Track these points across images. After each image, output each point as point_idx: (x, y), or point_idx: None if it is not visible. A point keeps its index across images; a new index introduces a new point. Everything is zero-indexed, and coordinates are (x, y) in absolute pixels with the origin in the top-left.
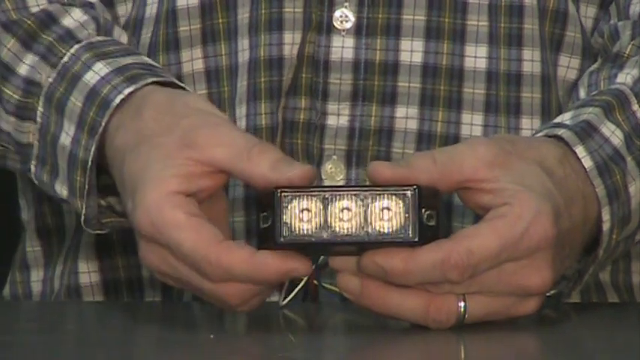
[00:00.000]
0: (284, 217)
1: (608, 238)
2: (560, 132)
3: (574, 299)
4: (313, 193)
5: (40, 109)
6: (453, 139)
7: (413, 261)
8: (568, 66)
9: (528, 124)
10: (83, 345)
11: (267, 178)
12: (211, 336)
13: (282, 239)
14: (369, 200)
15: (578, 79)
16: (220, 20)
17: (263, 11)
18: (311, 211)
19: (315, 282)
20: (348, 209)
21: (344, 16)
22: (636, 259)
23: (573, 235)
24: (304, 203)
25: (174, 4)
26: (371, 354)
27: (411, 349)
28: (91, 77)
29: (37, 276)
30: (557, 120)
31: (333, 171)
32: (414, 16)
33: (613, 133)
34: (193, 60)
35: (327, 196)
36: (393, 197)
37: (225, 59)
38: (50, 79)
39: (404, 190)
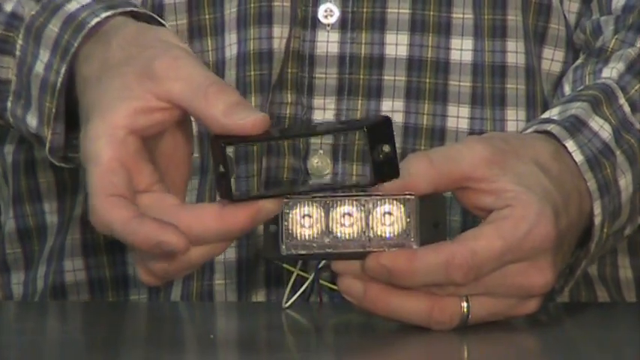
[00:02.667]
0: (285, 223)
1: (599, 233)
2: (550, 127)
3: (565, 296)
4: (315, 199)
5: (20, 41)
6: (439, 131)
7: (417, 261)
8: (552, 59)
9: (513, 116)
10: (69, 346)
11: (220, 122)
12: (211, 336)
13: (284, 246)
14: (371, 205)
15: (562, 72)
16: (207, 16)
17: (252, 5)
18: (312, 217)
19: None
20: (350, 215)
21: (329, 11)
22: (623, 254)
23: (571, 232)
24: (305, 209)
25: None
26: (372, 354)
27: (411, 349)
28: (72, 6)
29: (17, 278)
30: (545, 115)
31: (320, 165)
32: (398, 9)
33: (601, 127)
34: None
35: (328, 202)
36: (394, 202)
37: (212, 55)
38: (32, 12)
39: (405, 194)
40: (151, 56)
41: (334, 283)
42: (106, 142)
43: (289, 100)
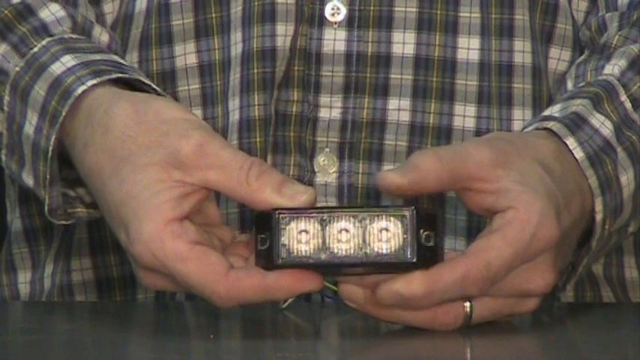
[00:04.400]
0: (282, 238)
1: (600, 230)
2: (550, 124)
3: (569, 293)
4: (311, 215)
5: (7, 97)
6: (445, 130)
7: (433, 284)
8: (559, 58)
9: (520, 115)
10: (75, 346)
11: (274, 202)
12: (211, 336)
13: (280, 261)
14: (367, 221)
15: None
16: (214, 14)
17: (256, 3)
18: (309, 233)
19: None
20: (347, 230)
21: (336, 9)
22: (629, 254)
23: (572, 231)
24: (302, 225)
25: None
26: (373, 354)
27: (415, 350)
28: (57, 68)
29: (24, 277)
30: (546, 112)
31: (326, 163)
32: (405, 7)
33: (602, 124)
34: (187, 54)
35: (325, 217)
36: (392, 218)
37: (219, 53)
38: (17, 68)
39: (402, 211)
40: (172, 146)
41: (336, 285)
42: (172, 238)
43: (295, 98)
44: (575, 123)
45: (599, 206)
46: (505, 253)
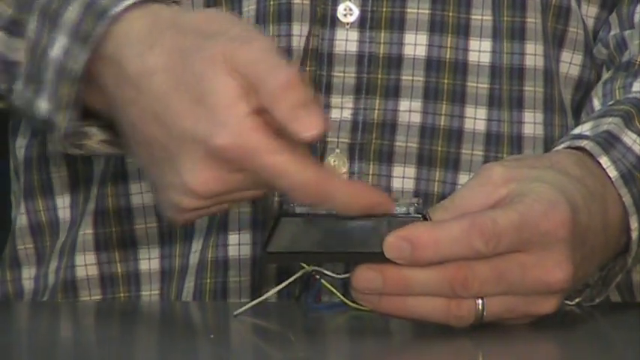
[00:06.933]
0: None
1: (636, 247)
2: (583, 143)
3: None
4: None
5: (35, 23)
6: (456, 132)
7: (439, 229)
8: (570, 62)
9: (531, 118)
10: (79, 345)
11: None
12: (211, 336)
13: (285, 205)
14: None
15: (580, 76)
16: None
17: (271, 2)
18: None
19: (318, 276)
20: None
21: (348, 10)
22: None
23: (594, 234)
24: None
25: None
26: (376, 355)
27: (415, 352)
28: None
29: (28, 273)
30: (576, 131)
31: (336, 164)
32: (418, 9)
33: (635, 142)
34: None
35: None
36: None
37: None
38: None
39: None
40: (232, 37)
41: (334, 286)
42: (257, 130)
43: None
44: (608, 141)
45: (634, 224)
46: (512, 216)
